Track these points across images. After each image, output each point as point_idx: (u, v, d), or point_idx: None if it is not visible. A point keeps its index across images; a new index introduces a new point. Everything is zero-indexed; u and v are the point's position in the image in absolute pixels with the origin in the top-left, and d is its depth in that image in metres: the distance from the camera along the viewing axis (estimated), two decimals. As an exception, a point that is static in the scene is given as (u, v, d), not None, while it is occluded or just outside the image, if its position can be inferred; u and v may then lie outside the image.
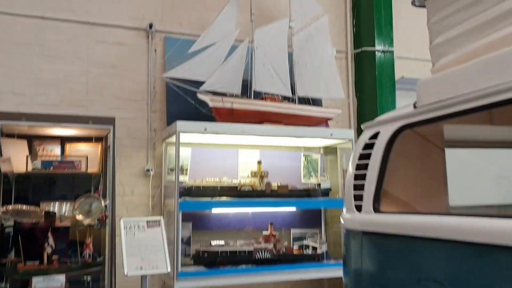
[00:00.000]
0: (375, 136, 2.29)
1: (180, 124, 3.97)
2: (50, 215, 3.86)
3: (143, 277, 3.62)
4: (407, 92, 5.56)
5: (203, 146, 4.69)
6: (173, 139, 4.16)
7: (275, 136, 4.29)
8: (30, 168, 3.85)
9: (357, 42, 5.56)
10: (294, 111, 4.49)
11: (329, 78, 4.88)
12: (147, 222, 3.80)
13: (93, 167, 4.08)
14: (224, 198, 4.17)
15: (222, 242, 4.37)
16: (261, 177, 4.43)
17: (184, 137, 4.07)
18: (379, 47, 5.28)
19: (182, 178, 4.44)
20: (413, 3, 2.15)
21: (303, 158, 5.06)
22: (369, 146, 2.31)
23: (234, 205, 4.15)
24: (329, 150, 5.22)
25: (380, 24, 5.31)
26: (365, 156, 2.32)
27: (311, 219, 5.03)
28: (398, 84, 5.40)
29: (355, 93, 5.55)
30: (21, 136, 3.97)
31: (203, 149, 4.66)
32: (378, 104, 5.18)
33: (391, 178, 2.22)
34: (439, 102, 1.84)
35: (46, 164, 3.96)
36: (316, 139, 4.77)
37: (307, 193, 4.43)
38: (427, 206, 2.22)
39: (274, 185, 4.46)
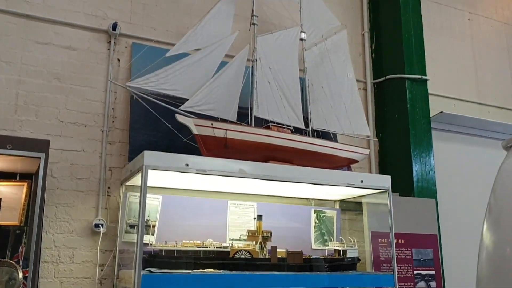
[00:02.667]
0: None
1: (149, 156, 2.81)
2: None
3: None
4: (443, 133, 4.63)
5: (179, 193, 3.51)
6: (136, 180, 2.99)
7: (287, 180, 3.17)
8: None
9: (377, 70, 4.65)
10: (311, 148, 3.42)
11: (351, 108, 3.89)
12: (89, 307, 2.52)
13: (12, 218, 2.81)
14: (209, 270, 2.94)
15: (202, 337, 3.07)
16: (264, 239, 3.25)
17: (153, 178, 2.91)
18: (410, 74, 4.37)
19: (147, 238, 3.22)
20: None
21: (313, 215, 3.93)
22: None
23: (226, 283, 2.90)
24: (347, 206, 4.13)
25: (410, 47, 4.45)
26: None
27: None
28: (433, 122, 4.46)
29: (376, 133, 4.56)
30: None
31: (179, 198, 3.48)
32: (412, 146, 4.18)
33: None
34: None
35: None
36: (331, 189, 3.66)
37: (333, 264, 3.25)
38: None
39: (281, 251, 3.28)
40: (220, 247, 3.16)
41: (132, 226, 3.26)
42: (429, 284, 3.89)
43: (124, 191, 3.32)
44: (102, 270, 3.22)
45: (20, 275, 2.61)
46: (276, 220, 3.74)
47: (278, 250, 3.24)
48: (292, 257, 3.16)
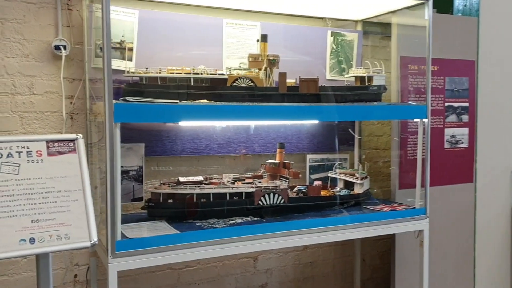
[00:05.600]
0: None
1: None
2: None
3: (40, 257, 1.87)
4: None
5: (160, 7, 2.78)
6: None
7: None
8: None
9: None
10: None
11: None
12: (48, 144, 1.98)
13: None
14: (203, 101, 2.35)
15: (198, 178, 2.64)
16: (270, 65, 2.61)
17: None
18: None
19: (122, 64, 2.59)
20: None
21: (330, 39, 3.24)
22: None
23: (223, 115, 2.34)
24: (371, 28, 3.42)
25: None
26: None
27: (333, 139, 3.34)
28: None
29: None
30: None
31: (160, 14, 2.75)
32: None
33: None
34: None
35: None
36: (353, 4, 2.93)
37: (355, 93, 2.67)
38: None
39: (290, 81, 2.66)
40: (215, 74, 2.54)
41: (102, 49, 2.59)
42: (461, 118, 3.37)
43: (88, 3, 2.58)
44: (71, 103, 2.64)
45: (-45, 106, 2.03)
46: (283, 45, 3.07)
47: (287, 80, 2.62)
48: (306, 85, 2.56)
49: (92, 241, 1.87)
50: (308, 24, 3.23)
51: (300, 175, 2.89)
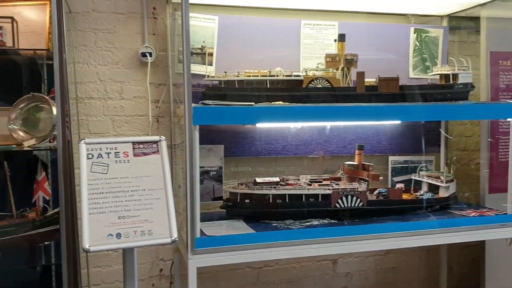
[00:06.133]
0: None
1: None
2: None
3: (125, 251, 2.01)
4: None
5: (239, 11, 2.85)
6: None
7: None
8: None
9: None
10: None
11: None
12: (134, 145, 2.11)
13: (40, 46, 2.36)
14: (278, 103, 2.38)
15: (275, 179, 2.66)
16: (347, 64, 2.57)
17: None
18: None
19: (203, 69, 2.69)
20: None
21: (413, 36, 3.12)
22: None
23: (299, 117, 2.35)
24: (458, 22, 3.24)
25: None
26: None
27: (418, 139, 3.20)
28: None
29: None
30: None
31: (239, 19, 2.82)
32: None
33: None
34: None
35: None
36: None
37: (439, 92, 2.55)
38: None
39: (370, 81, 2.60)
40: (291, 76, 2.55)
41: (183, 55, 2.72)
42: None
43: (171, 12, 2.72)
44: (157, 107, 2.79)
45: (54, 111, 2.24)
46: (364, 44, 3.00)
47: (365, 79, 2.57)
48: (385, 84, 2.48)
49: (172, 238, 1.97)
50: (389, 21, 3.14)
51: (381, 178, 2.81)
